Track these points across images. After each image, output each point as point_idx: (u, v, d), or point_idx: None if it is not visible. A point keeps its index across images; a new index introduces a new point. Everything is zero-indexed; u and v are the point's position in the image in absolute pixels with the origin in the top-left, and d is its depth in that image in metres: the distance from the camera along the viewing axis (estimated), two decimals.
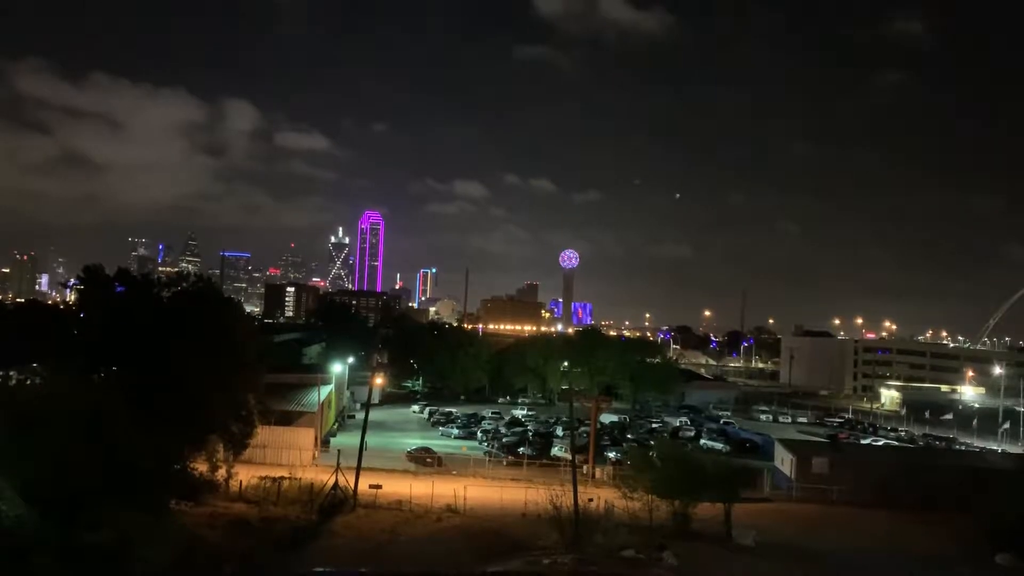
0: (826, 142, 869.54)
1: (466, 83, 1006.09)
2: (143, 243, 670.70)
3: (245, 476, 53.27)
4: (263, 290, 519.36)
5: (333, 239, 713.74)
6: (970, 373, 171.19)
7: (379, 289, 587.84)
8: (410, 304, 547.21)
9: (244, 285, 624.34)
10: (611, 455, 76.65)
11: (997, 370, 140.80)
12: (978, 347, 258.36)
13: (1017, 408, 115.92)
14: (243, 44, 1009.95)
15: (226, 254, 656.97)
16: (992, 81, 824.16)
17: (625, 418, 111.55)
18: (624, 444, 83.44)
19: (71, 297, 65.00)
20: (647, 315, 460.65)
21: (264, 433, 61.00)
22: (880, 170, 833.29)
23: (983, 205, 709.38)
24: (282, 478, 55.11)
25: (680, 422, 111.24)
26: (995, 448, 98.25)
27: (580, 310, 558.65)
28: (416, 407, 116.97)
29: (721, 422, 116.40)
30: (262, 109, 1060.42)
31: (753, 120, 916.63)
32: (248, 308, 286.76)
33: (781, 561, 43.91)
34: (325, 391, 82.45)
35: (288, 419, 71.78)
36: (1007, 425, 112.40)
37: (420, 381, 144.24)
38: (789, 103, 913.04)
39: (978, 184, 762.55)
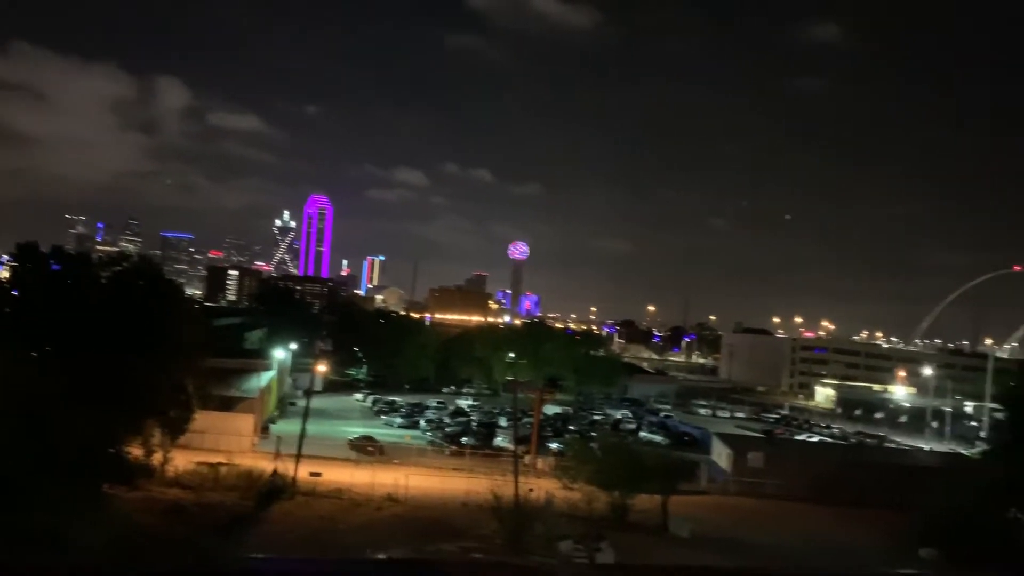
0: (755, 142, 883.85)
1: (401, 69, 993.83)
2: (81, 221, 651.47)
3: (182, 461, 52.43)
4: (205, 273, 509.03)
5: (278, 223, 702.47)
6: (902, 373, 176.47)
7: (325, 275, 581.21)
8: (356, 291, 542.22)
9: (186, 267, 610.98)
10: (553, 446, 77.29)
11: (927, 371, 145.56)
12: (910, 348, 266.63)
13: (944, 408, 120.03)
14: (174, 21, 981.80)
15: (168, 235, 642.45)
16: (911, 83, 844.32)
17: (568, 410, 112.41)
18: (566, 435, 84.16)
19: (4, 274, 62.87)
20: (593, 309, 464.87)
21: (203, 418, 59.98)
22: (812, 172, 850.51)
23: (913, 210, 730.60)
24: (220, 464, 54.39)
25: (622, 415, 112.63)
26: (923, 446, 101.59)
27: (528, 302, 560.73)
28: (359, 395, 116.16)
29: (661, 416, 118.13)
30: (194, 88, 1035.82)
31: (683, 118, 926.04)
32: (189, 291, 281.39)
33: (715, 552, 44.91)
34: (266, 377, 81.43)
35: (228, 405, 70.72)
36: (935, 424, 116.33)
37: (364, 369, 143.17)
38: (716, 102, 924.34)
39: (907, 189, 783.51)
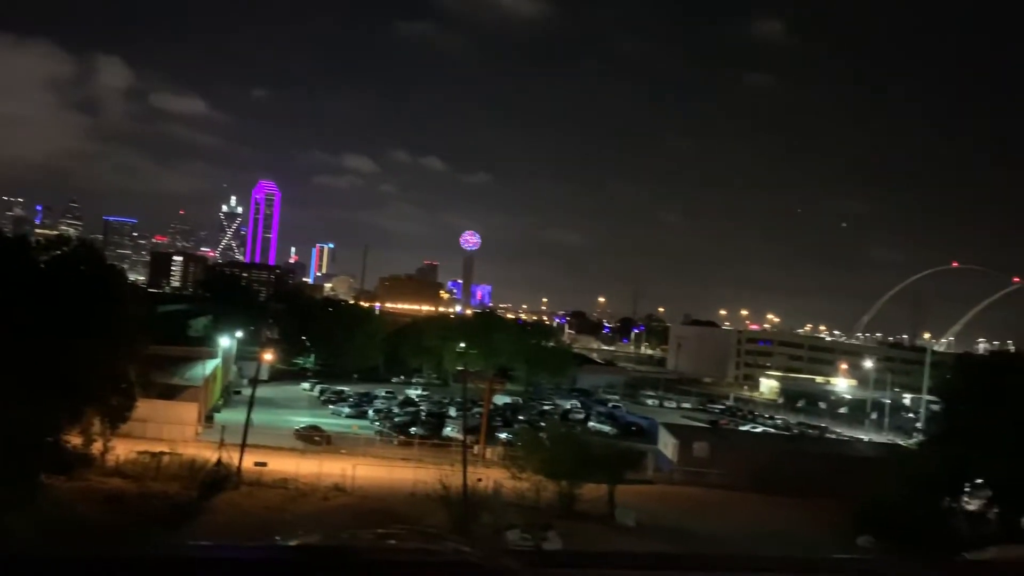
0: (703, 137, 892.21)
1: (349, 54, 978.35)
2: (19, 203, 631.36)
3: (123, 450, 51.35)
4: (149, 258, 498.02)
5: (225, 208, 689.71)
6: (843, 366, 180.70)
7: (272, 262, 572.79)
8: (305, 279, 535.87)
9: (129, 252, 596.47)
10: (503, 436, 77.48)
11: (868, 364, 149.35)
12: (852, 341, 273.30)
13: (884, 400, 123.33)
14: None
15: (110, 219, 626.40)
16: (852, 82, 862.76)
17: (518, 400, 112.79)
18: (516, 426, 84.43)
19: None
20: (544, 299, 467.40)
21: (145, 407, 58.76)
22: (760, 167, 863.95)
23: (857, 206, 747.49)
24: (162, 453, 53.36)
25: (571, 405, 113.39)
26: (863, 437, 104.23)
27: (479, 292, 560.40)
28: (307, 384, 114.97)
29: (610, 406, 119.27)
30: (135, 68, 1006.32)
31: (633, 112, 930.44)
32: (133, 276, 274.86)
33: (660, 540, 45.55)
34: (211, 365, 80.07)
35: (171, 393, 69.44)
36: (874, 415, 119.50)
37: (312, 358, 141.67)
38: (666, 96, 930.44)
39: (852, 186, 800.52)
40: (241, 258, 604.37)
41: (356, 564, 1.29)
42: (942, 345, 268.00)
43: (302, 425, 75.11)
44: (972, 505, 55.33)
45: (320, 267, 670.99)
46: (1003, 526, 52.48)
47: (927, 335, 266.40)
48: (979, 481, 54.70)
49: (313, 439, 70.27)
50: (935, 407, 73.84)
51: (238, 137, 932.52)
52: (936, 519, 49.63)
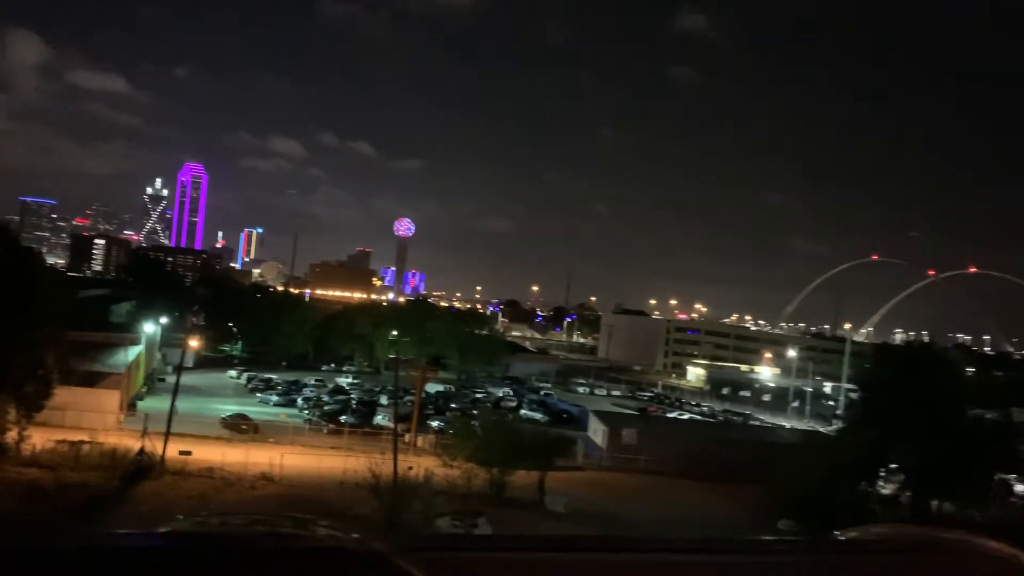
0: (633, 129, 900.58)
1: (274, 34, 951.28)
2: None
3: (40, 440, 49.61)
4: (69, 241, 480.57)
5: (150, 190, 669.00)
6: (767, 355, 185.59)
7: (199, 247, 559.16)
8: (232, 264, 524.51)
9: (48, 235, 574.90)
10: (434, 424, 77.39)
11: (791, 353, 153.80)
12: (776, 331, 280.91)
13: (806, 388, 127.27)
14: None
15: (27, 200, 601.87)
16: (774, 76, 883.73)
17: (450, 388, 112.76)
18: (448, 413, 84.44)
19: None
20: (478, 288, 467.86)
21: (64, 394, 56.81)
22: (683, 160, 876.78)
23: (783, 199, 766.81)
24: (82, 442, 51.69)
25: (503, 393, 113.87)
26: (785, 424, 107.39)
27: (413, 279, 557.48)
28: (234, 372, 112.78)
29: (542, 393, 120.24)
30: (51, 43, 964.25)
31: (563, 102, 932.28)
32: (51, 260, 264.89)
33: (587, 525, 46.21)
34: (134, 352, 77.84)
35: (91, 380, 67.27)
36: (796, 403, 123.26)
37: (239, 346, 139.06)
38: (595, 87, 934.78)
39: (778, 179, 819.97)
40: (166, 242, 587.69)
41: (227, 551, 1.25)
42: (861, 335, 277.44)
43: (228, 414, 73.70)
44: (887, 489, 57.65)
45: (248, 252, 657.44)
46: (915, 508, 54.95)
47: (848, 325, 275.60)
48: (893, 466, 57.04)
49: (240, 428, 69.02)
50: (853, 395, 76.53)
51: (161, 117, 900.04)
52: (853, 502, 51.52)
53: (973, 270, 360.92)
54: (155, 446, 51.77)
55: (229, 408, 78.45)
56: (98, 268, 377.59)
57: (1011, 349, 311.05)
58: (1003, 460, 55.01)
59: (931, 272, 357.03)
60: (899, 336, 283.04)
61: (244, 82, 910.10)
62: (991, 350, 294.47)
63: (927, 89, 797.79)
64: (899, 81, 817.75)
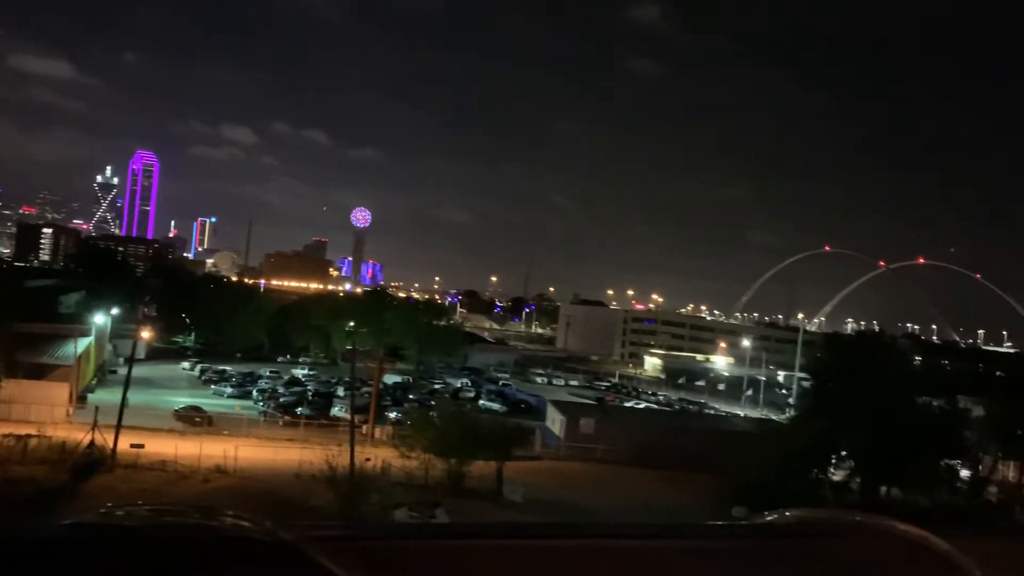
0: (590, 121, 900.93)
1: (223, 19, 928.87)
2: None
3: None
4: (15, 230, 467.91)
5: (100, 179, 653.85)
6: (722, 344, 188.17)
7: (151, 236, 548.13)
8: (185, 254, 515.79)
9: None
10: (392, 415, 77.10)
11: (745, 342, 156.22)
12: (731, 321, 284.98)
13: (759, 377, 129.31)
14: None
15: None
16: (726, 70, 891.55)
17: (408, 379, 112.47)
18: (405, 405, 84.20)
19: None
20: (437, 278, 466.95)
21: (10, 387, 55.61)
22: (640, 152, 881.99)
23: (731, 192, 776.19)
24: (29, 436, 50.51)
25: (462, 383, 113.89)
26: (739, 412, 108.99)
27: (370, 270, 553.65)
28: (187, 364, 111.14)
29: (500, 384, 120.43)
30: None
31: (518, 94, 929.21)
32: None
33: (544, 513, 46.45)
34: (83, 344, 76.20)
35: (39, 372, 65.78)
36: (750, 392, 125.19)
37: (192, 337, 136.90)
38: (554, 80, 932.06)
39: (728, 172, 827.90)
40: (117, 231, 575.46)
41: (130, 542, 1.20)
42: (814, 325, 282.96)
43: (181, 406, 72.64)
44: (838, 476, 58.85)
45: (201, 242, 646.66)
46: (864, 495, 56.23)
47: (800, 315, 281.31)
48: (844, 453, 58.22)
49: (193, 420, 68.07)
50: (806, 384, 77.90)
51: (109, 104, 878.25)
52: (805, 489, 52.53)
53: (922, 261, 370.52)
54: (106, 439, 50.78)
55: (182, 400, 77.31)
56: (46, 258, 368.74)
57: (957, 338, 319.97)
58: (949, 447, 56.44)
59: (881, 263, 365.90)
60: (850, 325, 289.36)
61: (195, 68, 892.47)
62: (938, 339, 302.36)
63: (883, 82, 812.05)
64: (856, 74, 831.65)
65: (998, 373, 73.53)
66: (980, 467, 59.36)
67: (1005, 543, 1.70)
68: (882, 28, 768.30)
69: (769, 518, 1.69)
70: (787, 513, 1.70)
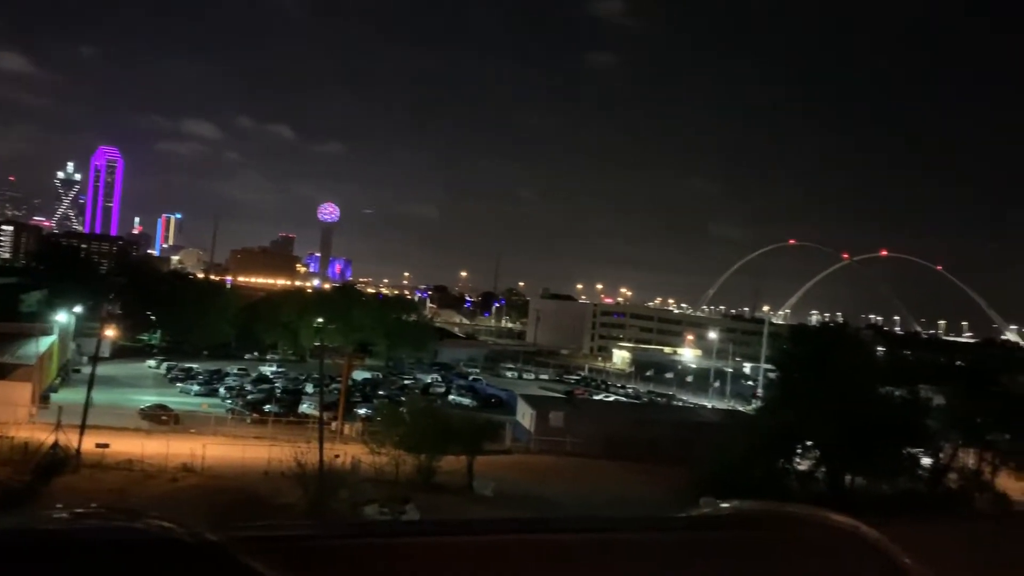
0: (556, 115, 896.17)
1: (182, 11, 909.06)
2: None
3: None
4: None
5: (61, 175, 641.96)
6: (690, 337, 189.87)
7: (114, 233, 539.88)
8: (150, 251, 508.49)
9: None
10: (362, 412, 76.89)
11: (712, 335, 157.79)
12: (698, 314, 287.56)
13: (726, 369, 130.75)
14: None
15: None
16: (689, 64, 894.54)
17: (378, 375, 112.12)
18: (375, 401, 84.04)
19: None
20: (406, 274, 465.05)
21: None
22: (606, 146, 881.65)
23: (697, 185, 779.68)
24: None
25: (432, 379, 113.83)
26: (706, 404, 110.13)
27: (338, 265, 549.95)
28: (153, 362, 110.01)
29: (470, 379, 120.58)
30: None
31: (483, 87, 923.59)
32: None
33: (514, 508, 46.70)
34: (46, 343, 75.07)
35: (1, 372, 64.73)
36: (717, 383, 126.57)
37: (158, 335, 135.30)
38: (516, 73, 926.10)
39: (692, 164, 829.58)
40: (80, 228, 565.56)
41: (50, 545, 1.25)
42: (779, 317, 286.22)
43: (147, 404, 71.87)
44: (803, 465, 59.73)
45: (167, 239, 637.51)
46: (829, 484, 57.18)
47: (766, 308, 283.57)
48: (809, 443, 59.12)
49: (160, 419, 67.39)
50: (772, 375, 78.91)
51: (71, 98, 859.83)
52: (771, 479, 53.27)
53: (885, 253, 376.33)
54: (70, 439, 50.10)
55: (148, 399, 76.50)
56: (6, 256, 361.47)
57: (919, 329, 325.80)
58: (911, 436, 57.54)
59: (845, 255, 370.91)
60: (815, 317, 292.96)
61: (156, 61, 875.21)
62: (901, 330, 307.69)
63: (843, 74, 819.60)
64: (816, 65, 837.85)
65: (958, 363, 75.10)
66: (941, 455, 60.58)
67: (933, 530, 1.77)
68: (851, 11, 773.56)
69: (704, 510, 1.75)
70: (722, 505, 1.75)
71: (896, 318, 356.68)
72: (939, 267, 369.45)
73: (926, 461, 60.54)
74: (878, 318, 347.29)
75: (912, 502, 51.48)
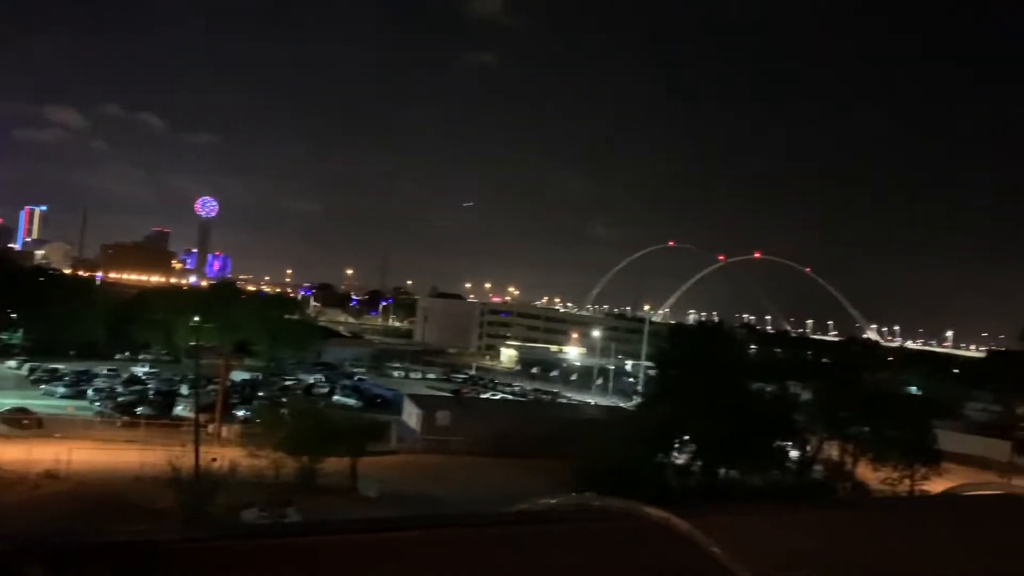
0: (437, 111, 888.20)
1: None
2: None
3: None
4: None
5: None
6: (575, 335, 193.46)
7: None
8: (12, 245, 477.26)
9: None
10: (241, 414, 74.74)
11: (595, 333, 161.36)
12: (582, 313, 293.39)
13: (609, 366, 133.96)
14: None
15: None
16: (569, 65, 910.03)
17: (258, 376, 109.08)
18: (255, 402, 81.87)
19: None
20: (288, 271, 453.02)
21: None
22: (489, 144, 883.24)
23: (579, 185, 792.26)
24: None
25: (315, 379, 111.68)
26: (590, 400, 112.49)
27: (217, 262, 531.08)
28: (13, 363, 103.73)
29: (355, 379, 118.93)
30: None
31: (362, 83, 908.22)
32: None
33: (400, 508, 46.46)
34: None
35: None
36: (600, 381, 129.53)
37: (20, 333, 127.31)
38: (395, 70, 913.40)
39: (573, 165, 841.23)
40: None
41: None
42: (659, 316, 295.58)
43: (7, 408, 67.55)
44: (680, 459, 61.93)
45: (30, 232, 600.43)
46: (704, 476, 59.53)
47: (647, 307, 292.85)
48: (686, 437, 61.34)
49: (21, 423, 63.42)
50: (652, 372, 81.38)
51: None
52: (650, 473, 54.98)
53: (758, 255, 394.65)
54: None
55: (8, 402, 71.83)
56: None
57: (788, 327, 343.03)
58: (780, 429, 60.60)
59: (721, 257, 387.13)
60: (693, 316, 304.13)
61: (13, 42, 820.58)
62: (772, 328, 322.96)
63: (726, 75, 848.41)
64: (698, 65, 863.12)
65: (824, 360, 79.55)
66: (808, 447, 64.07)
67: (742, 519, 1.93)
68: (736, 9, 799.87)
69: (523, 506, 1.83)
70: (540, 501, 1.84)
71: (768, 317, 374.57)
72: (807, 269, 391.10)
73: (794, 454, 63.88)
74: (751, 317, 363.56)
75: (778, 493, 54.20)
